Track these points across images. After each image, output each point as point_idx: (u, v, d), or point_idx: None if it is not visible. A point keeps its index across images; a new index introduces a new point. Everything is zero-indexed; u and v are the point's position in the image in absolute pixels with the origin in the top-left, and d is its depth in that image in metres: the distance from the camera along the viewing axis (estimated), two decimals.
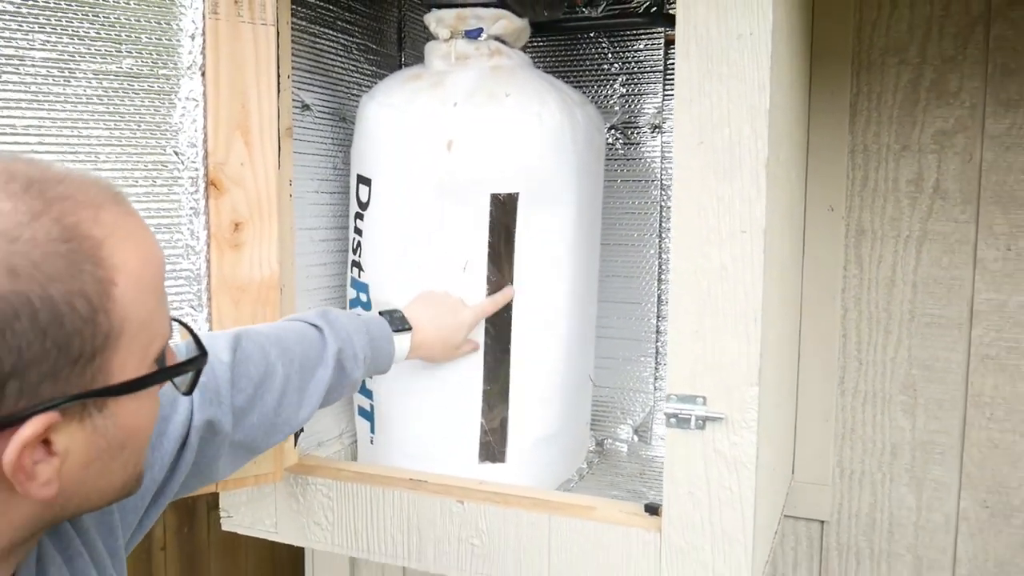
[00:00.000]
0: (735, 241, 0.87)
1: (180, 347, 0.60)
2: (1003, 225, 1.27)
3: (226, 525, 1.20)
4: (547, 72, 1.41)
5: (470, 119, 1.09)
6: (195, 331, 0.59)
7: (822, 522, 1.42)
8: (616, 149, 1.43)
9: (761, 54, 0.84)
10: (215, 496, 1.88)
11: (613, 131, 1.44)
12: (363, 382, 1.24)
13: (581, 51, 1.46)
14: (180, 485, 0.80)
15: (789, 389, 1.30)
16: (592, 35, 1.44)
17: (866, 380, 1.37)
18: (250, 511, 1.17)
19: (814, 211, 1.36)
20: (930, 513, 1.35)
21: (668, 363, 0.91)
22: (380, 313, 1.07)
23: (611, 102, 1.45)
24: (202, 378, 0.74)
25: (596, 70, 1.45)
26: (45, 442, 0.48)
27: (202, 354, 0.57)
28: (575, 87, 1.40)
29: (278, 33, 1.04)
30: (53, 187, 0.48)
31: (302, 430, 1.14)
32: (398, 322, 1.06)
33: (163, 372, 0.54)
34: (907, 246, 1.33)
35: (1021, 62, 1.24)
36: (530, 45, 1.47)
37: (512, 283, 1.15)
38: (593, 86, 1.45)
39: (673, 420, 0.91)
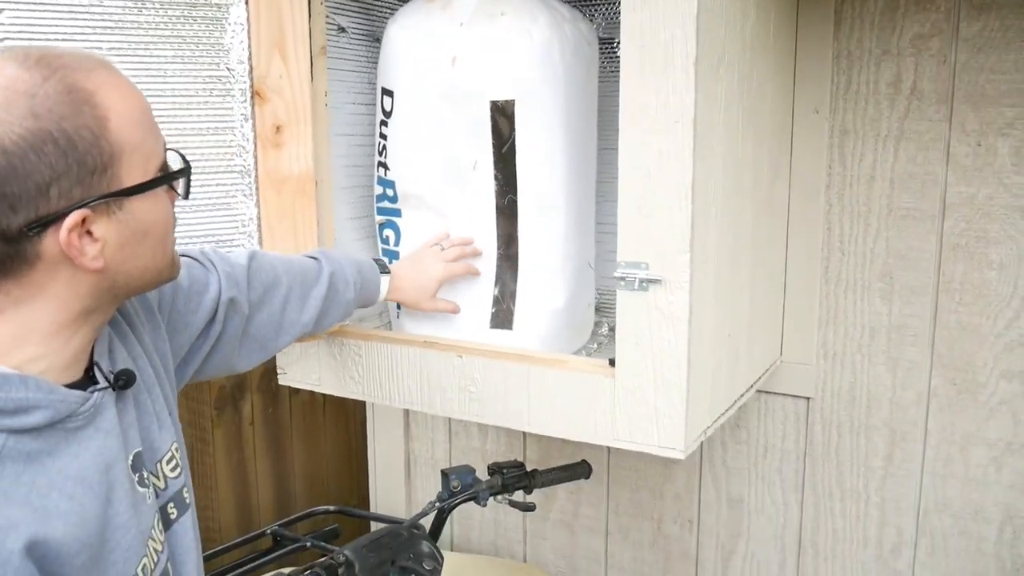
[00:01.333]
0: (670, 130, 1.04)
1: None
2: (974, 123, 1.37)
3: (282, 380, 1.46)
4: None
5: (471, 36, 1.28)
6: (183, 156, 0.80)
7: (807, 398, 1.57)
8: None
9: None
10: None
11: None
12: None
13: None
14: (211, 349, 1.04)
15: (767, 274, 1.44)
16: None
17: (848, 269, 1.50)
18: (300, 368, 1.43)
19: (801, 114, 1.48)
20: (904, 391, 1.49)
21: (618, 234, 1.09)
22: (374, 260, 1.33)
23: (619, 18, 1.59)
24: (227, 269, 1.05)
25: None
26: (88, 233, 0.71)
27: (187, 167, 0.79)
28: (584, 6, 1.56)
29: None
30: (56, 59, 0.69)
31: None
32: (381, 266, 1.31)
33: (160, 179, 0.76)
34: (886, 144, 1.44)
35: None
36: None
37: (517, 179, 1.34)
38: (603, 3, 1.60)
39: (622, 283, 1.10)
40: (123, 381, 0.80)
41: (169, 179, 0.77)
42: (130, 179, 0.73)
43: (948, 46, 1.37)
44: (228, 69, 1.23)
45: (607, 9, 1.60)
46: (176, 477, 0.88)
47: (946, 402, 1.46)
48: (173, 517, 0.87)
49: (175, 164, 0.79)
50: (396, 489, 2.09)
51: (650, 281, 1.08)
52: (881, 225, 1.46)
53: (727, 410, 1.28)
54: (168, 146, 0.78)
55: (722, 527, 1.71)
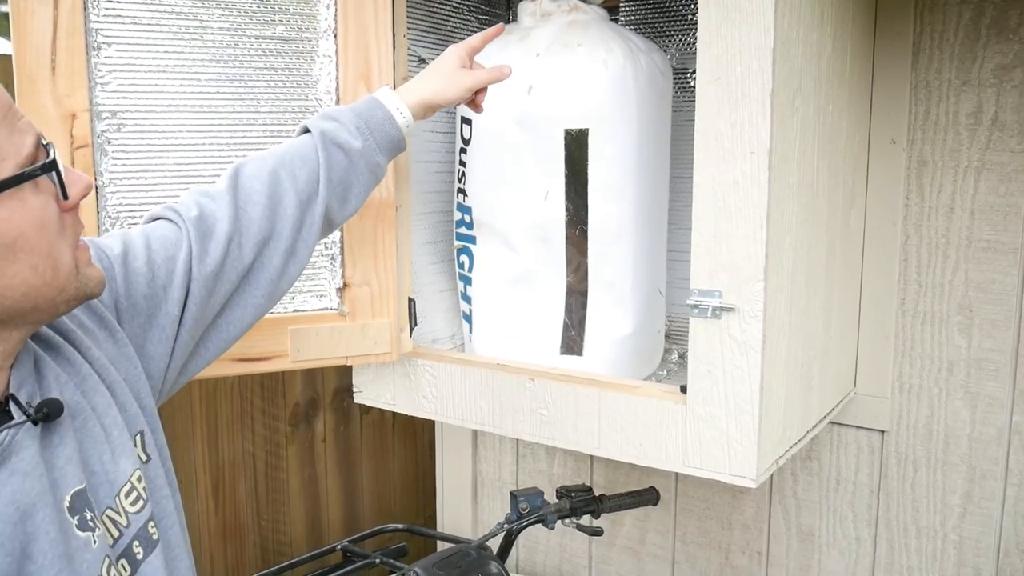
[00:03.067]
0: (745, 160, 1.05)
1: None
2: None
3: (358, 399, 1.51)
4: (637, 24, 1.60)
5: (547, 66, 1.31)
6: (56, 161, 0.67)
7: (882, 432, 1.55)
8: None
9: (767, 1, 1.01)
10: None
11: (695, 74, 1.61)
12: (463, 290, 1.50)
13: (671, 5, 1.63)
14: (196, 326, 0.89)
15: (842, 304, 1.43)
16: None
17: (925, 301, 1.48)
18: (374, 387, 1.47)
19: (877, 144, 1.47)
20: (984, 427, 1.46)
21: (692, 262, 1.11)
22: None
23: (695, 48, 1.61)
24: (196, 213, 0.90)
25: (682, 20, 1.62)
26: None
27: (49, 163, 0.66)
28: (659, 37, 1.58)
29: (393, 2, 1.30)
30: None
31: (416, 323, 1.42)
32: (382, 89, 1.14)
33: (8, 180, 0.63)
34: (966, 176, 1.42)
35: None
36: (626, 5, 1.66)
37: (588, 208, 1.36)
38: (679, 35, 1.62)
39: (695, 310, 1.11)
40: (44, 413, 0.68)
41: (21, 180, 0.64)
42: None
43: None
44: (316, 99, 1.29)
45: (681, 40, 1.62)
46: (138, 512, 0.76)
47: None
48: (140, 557, 0.75)
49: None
50: (463, 510, 2.12)
51: (723, 309, 1.09)
52: (960, 257, 1.44)
53: (799, 440, 1.27)
54: (44, 141, 0.68)
55: (792, 560, 1.68)
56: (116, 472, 0.74)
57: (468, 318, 1.52)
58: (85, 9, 1.11)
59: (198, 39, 1.19)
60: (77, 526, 0.68)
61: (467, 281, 1.50)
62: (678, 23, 1.62)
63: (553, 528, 1.45)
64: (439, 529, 2.19)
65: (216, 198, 0.94)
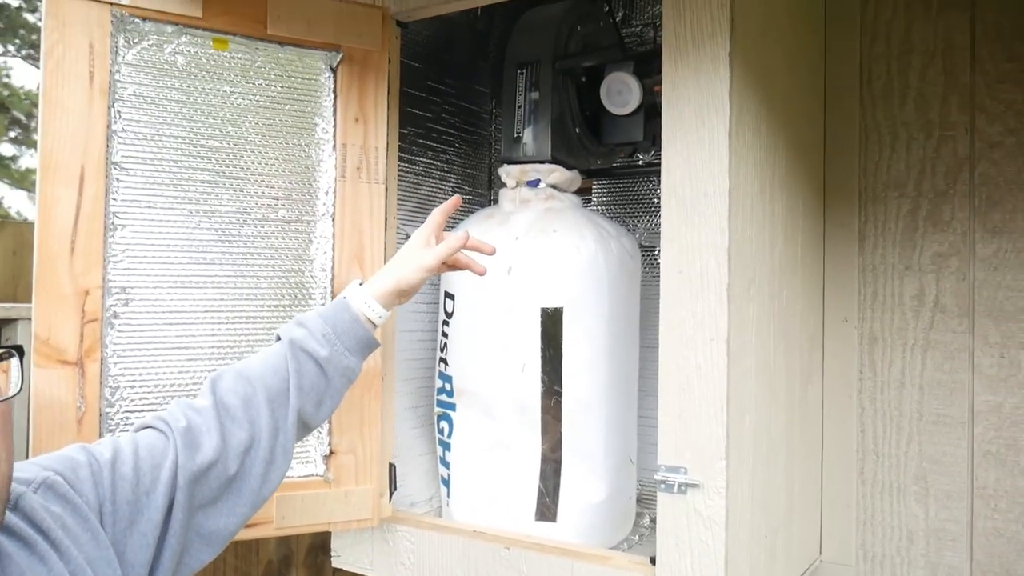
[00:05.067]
0: (706, 347, 1.14)
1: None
2: (995, 335, 1.46)
3: (335, 563, 1.53)
4: (609, 204, 1.75)
5: (525, 249, 1.43)
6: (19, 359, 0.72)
7: None
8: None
9: (721, 206, 1.13)
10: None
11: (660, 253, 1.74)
12: (442, 455, 1.56)
13: (637, 189, 1.78)
14: (182, 533, 0.91)
15: (803, 475, 1.50)
16: (644, 176, 1.76)
17: (883, 471, 1.55)
18: (353, 552, 1.49)
19: (831, 321, 1.59)
20: None
21: (659, 440, 1.18)
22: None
23: (659, 229, 1.75)
24: (184, 424, 0.94)
25: (648, 203, 1.76)
26: None
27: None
28: (629, 217, 1.72)
29: (386, 189, 1.43)
30: None
31: (396, 488, 1.47)
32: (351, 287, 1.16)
33: None
34: (913, 353, 1.53)
35: (1003, 195, 1.45)
36: (598, 187, 1.82)
37: (562, 380, 1.45)
38: (645, 216, 1.76)
39: (663, 485, 1.17)
40: None
41: None
42: None
43: (967, 265, 1.48)
44: (312, 276, 1.38)
45: (648, 221, 1.77)
46: None
47: None
48: None
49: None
50: None
51: (689, 485, 1.15)
52: (913, 429, 1.53)
53: None
54: None
55: None
56: None
57: (447, 482, 1.56)
58: (106, 195, 1.22)
59: (206, 221, 1.30)
60: None
61: (446, 447, 1.55)
62: (645, 206, 1.77)
63: None
64: None
65: (202, 412, 0.98)
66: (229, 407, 1.00)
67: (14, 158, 11.97)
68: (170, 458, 0.92)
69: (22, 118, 11.63)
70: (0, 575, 0.72)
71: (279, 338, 1.10)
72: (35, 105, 11.48)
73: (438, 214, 1.22)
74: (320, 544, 2.36)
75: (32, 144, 12.10)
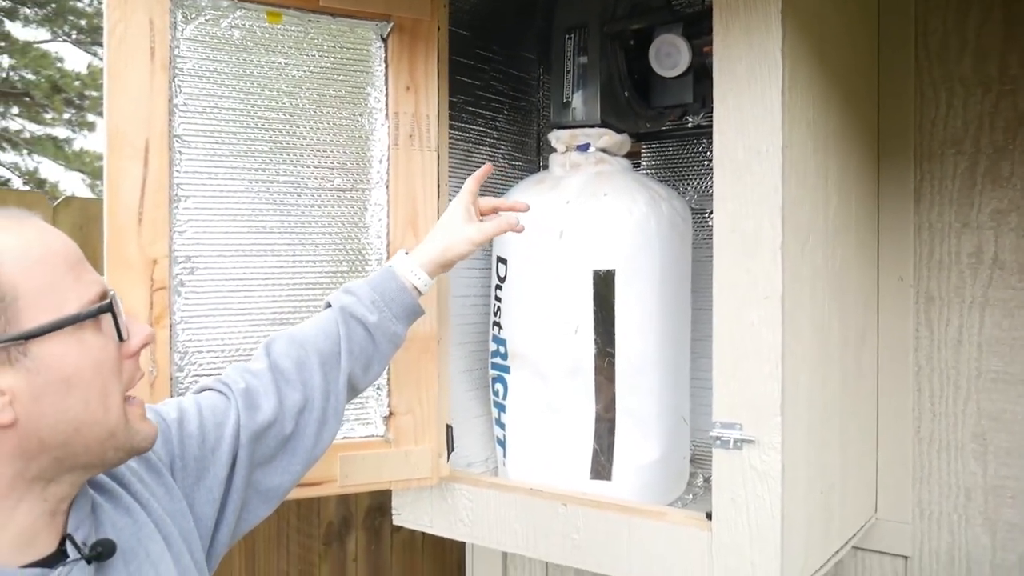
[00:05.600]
0: (760, 305, 1.15)
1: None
2: None
3: (396, 520, 1.57)
4: (658, 168, 1.75)
5: (577, 213, 1.44)
6: (115, 311, 0.73)
7: (905, 557, 1.58)
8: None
9: (774, 165, 1.13)
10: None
11: (713, 215, 1.73)
12: (497, 417, 1.59)
13: (687, 151, 1.78)
14: (243, 489, 0.96)
15: (859, 433, 1.50)
16: (694, 138, 1.75)
17: (940, 430, 1.54)
18: (413, 510, 1.54)
19: (886, 281, 1.57)
20: (1004, 553, 1.49)
21: (713, 397, 1.19)
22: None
23: (710, 191, 1.74)
24: (243, 386, 0.99)
25: (698, 165, 1.76)
26: None
27: (97, 309, 0.72)
28: (678, 180, 1.72)
29: (438, 156, 1.45)
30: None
31: (453, 449, 1.50)
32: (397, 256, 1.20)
33: (64, 320, 0.68)
34: (971, 311, 1.51)
35: None
36: (647, 150, 1.82)
37: (615, 341, 1.46)
38: (695, 179, 1.76)
39: (718, 441, 1.19)
40: (98, 552, 0.73)
41: (78, 319, 0.70)
42: (33, 323, 0.68)
43: None
44: (368, 243, 1.42)
45: (698, 183, 1.76)
46: None
47: None
48: None
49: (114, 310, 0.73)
50: None
51: (744, 441, 1.17)
52: (971, 388, 1.51)
53: (823, 566, 1.32)
54: (110, 292, 0.74)
55: None
56: None
57: (502, 443, 1.60)
58: (170, 168, 1.26)
59: (265, 191, 1.34)
60: None
61: (501, 408, 1.58)
62: (695, 168, 1.76)
63: None
64: None
65: (258, 375, 1.02)
66: (284, 370, 1.04)
67: (68, 140, 12.27)
68: (232, 417, 0.97)
69: (75, 99, 11.89)
70: (95, 524, 0.77)
71: (329, 305, 1.14)
72: (86, 86, 11.75)
73: (472, 182, 1.25)
74: (378, 506, 2.42)
75: (86, 126, 12.35)
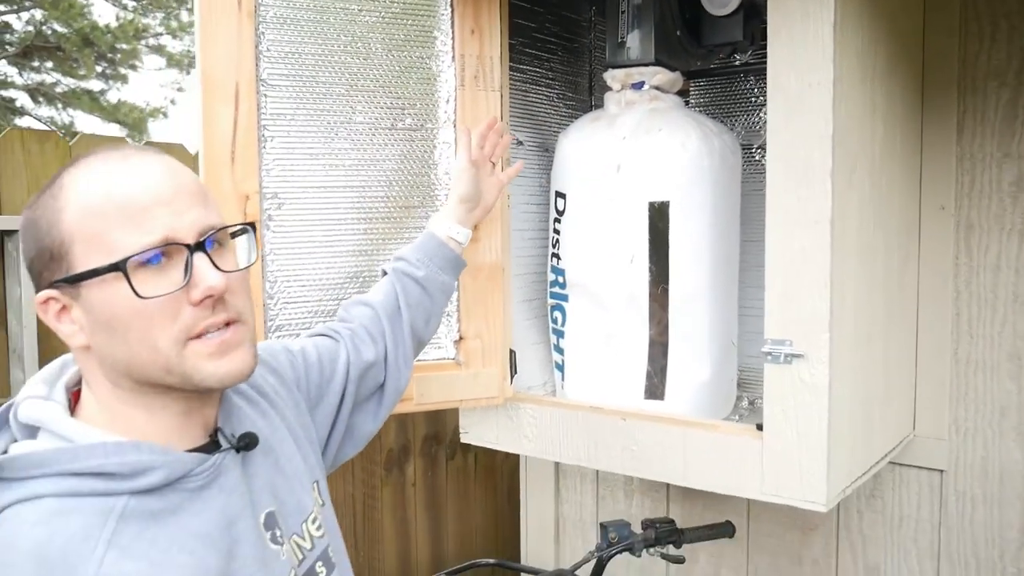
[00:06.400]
0: (810, 229, 1.23)
1: None
2: None
3: (464, 439, 1.70)
4: (707, 105, 1.82)
5: (633, 148, 1.52)
6: (129, 261, 0.74)
7: (941, 471, 1.68)
8: (762, 164, 1.80)
9: (825, 97, 1.20)
10: (452, 448, 2.45)
11: (760, 150, 1.81)
12: (556, 342, 1.69)
13: (735, 88, 1.84)
14: (345, 423, 1.10)
15: (900, 353, 1.59)
16: (742, 75, 1.81)
17: (977, 351, 1.62)
18: (479, 428, 1.66)
19: (928, 209, 1.64)
20: None
21: (765, 316, 1.29)
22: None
23: (758, 126, 1.82)
24: (347, 333, 1.15)
25: (746, 102, 1.82)
26: (67, 313, 0.76)
27: (108, 267, 0.73)
28: (726, 117, 1.79)
29: (501, 96, 1.54)
30: (85, 153, 0.78)
31: (516, 372, 1.62)
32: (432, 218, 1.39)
33: (84, 274, 0.74)
34: (1010, 238, 1.58)
35: None
36: (695, 87, 1.88)
37: (669, 270, 1.55)
38: (743, 114, 1.83)
39: (769, 357, 1.29)
40: (244, 443, 0.84)
41: (85, 276, 0.74)
42: (83, 268, 0.74)
43: None
44: (436, 179, 1.51)
45: (746, 119, 1.83)
46: (320, 538, 0.93)
47: None
48: (323, 575, 0.92)
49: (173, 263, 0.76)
50: (546, 548, 2.27)
51: (794, 356, 1.26)
52: (1008, 311, 1.59)
53: (864, 474, 1.42)
54: (173, 240, 0.76)
55: None
56: (300, 505, 0.91)
57: (560, 367, 1.71)
58: (258, 110, 1.35)
59: (343, 131, 1.43)
60: (269, 540, 0.84)
61: (560, 335, 1.69)
62: (743, 105, 1.83)
63: (640, 556, 1.61)
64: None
65: (355, 330, 1.17)
66: (364, 326, 1.19)
67: (102, 92, 12.39)
68: (343, 355, 1.12)
69: (107, 53, 11.99)
70: (239, 422, 0.89)
71: (384, 273, 1.31)
72: (116, 39, 11.82)
73: (465, 135, 1.44)
74: (434, 435, 2.57)
75: (119, 78, 12.46)
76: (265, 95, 1.37)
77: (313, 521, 0.92)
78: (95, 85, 12.27)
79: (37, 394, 0.80)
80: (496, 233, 1.53)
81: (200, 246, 0.77)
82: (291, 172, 1.40)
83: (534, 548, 2.30)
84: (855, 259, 1.32)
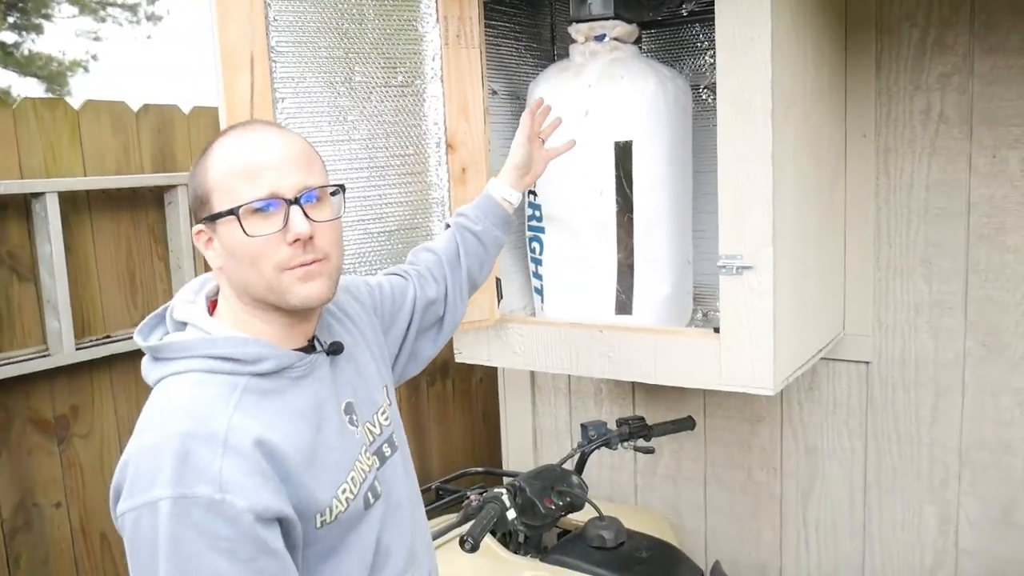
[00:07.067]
0: (755, 160, 1.47)
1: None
2: (989, 139, 1.77)
3: (458, 358, 1.93)
4: (658, 51, 2.03)
5: (598, 95, 1.73)
6: (242, 210, 0.95)
7: (867, 363, 1.97)
8: (709, 102, 2.02)
9: (764, 48, 1.43)
10: (432, 376, 2.65)
11: (707, 89, 2.03)
12: (535, 270, 1.92)
13: (682, 35, 2.05)
14: (411, 345, 1.31)
15: (831, 263, 1.86)
16: (688, 24, 2.02)
17: (895, 258, 1.90)
18: (473, 349, 1.89)
19: (852, 138, 1.90)
20: (944, 353, 1.88)
21: (719, 236, 1.53)
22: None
23: (704, 69, 2.04)
24: (415, 273, 1.35)
25: (692, 47, 2.04)
26: (212, 243, 0.99)
27: (232, 211, 0.95)
28: (675, 61, 2.01)
29: (480, 52, 1.72)
30: (227, 132, 1.02)
31: (502, 297, 1.84)
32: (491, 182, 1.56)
33: (216, 215, 0.97)
34: (921, 159, 1.84)
35: (998, 19, 1.72)
36: (647, 35, 2.09)
37: (633, 200, 1.78)
38: (690, 58, 2.04)
39: (723, 269, 1.53)
40: (333, 349, 1.07)
41: (217, 216, 0.97)
42: (216, 211, 0.98)
43: (966, 81, 1.77)
44: (426, 129, 1.70)
45: (692, 62, 2.05)
46: (387, 426, 1.15)
47: (978, 360, 1.85)
48: (388, 455, 1.13)
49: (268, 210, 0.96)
50: (525, 456, 2.54)
51: (744, 267, 1.51)
52: (920, 222, 1.86)
53: (803, 364, 1.70)
54: (277, 195, 0.96)
55: (801, 472, 2.11)
56: (373, 400, 1.13)
57: (540, 291, 1.94)
58: (271, 73, 1.52)
59: (344, 89, 1.61)
60: (348, 422, 1.06)
61: (538, 263, 1.92)
62: (690, 50, 2.05)
63: (615, 449, 1.87)
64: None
65: (421, 271, 1.38)
66: (429, 269, 1.40)
67: (16, 45, 11.89)
68: (411, 290, 1.33)
69: (17, 1, 11.47)
70: (326, 333, 1.10)
71: (447, 225, 1.51)
72: None
73: (527, 115, 1.58)
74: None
75: (33, 28, 11.98)
76: (275, 61, 1.53)
77: (382, 414, 1.14)
78: (8, 37, 11.78)
79: (186, 300, 1.03)
80: (481, 175, 1.73)
81: (296, 201, 0.97)
82: (301, 129, 1.57)
83: (515, 457, 2.56)
84: (792, 184, 1.56)
